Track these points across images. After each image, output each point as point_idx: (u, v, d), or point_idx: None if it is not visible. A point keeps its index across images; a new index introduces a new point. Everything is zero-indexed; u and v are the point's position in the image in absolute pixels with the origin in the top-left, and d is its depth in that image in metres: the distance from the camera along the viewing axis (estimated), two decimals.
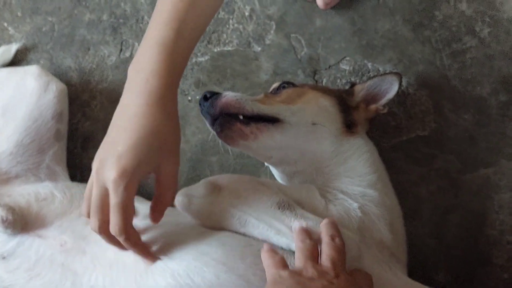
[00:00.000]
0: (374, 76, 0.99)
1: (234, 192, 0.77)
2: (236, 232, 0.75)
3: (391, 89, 0.95)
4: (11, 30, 1.14)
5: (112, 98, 1.10)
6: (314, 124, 0.86)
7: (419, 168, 1.03)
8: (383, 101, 0.95)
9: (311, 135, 0.86)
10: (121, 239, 0.69)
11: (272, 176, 0.99)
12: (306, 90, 0.91)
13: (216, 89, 1.04)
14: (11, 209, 0.82)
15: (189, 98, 1.11)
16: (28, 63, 1.11)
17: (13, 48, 1.10)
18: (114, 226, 0.68)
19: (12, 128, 0.94)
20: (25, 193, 0.88)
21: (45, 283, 0.79)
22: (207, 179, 0.81)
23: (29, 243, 0.82)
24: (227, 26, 1.11)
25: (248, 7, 1.12)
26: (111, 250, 0.77)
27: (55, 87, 0.98)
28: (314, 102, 0.89)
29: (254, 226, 0.73)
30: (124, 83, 1.09)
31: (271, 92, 0.94)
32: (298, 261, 0.66)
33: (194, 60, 1.10)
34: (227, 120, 0.83)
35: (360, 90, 0.96)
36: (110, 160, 0.67)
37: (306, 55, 1.09)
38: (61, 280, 0.78)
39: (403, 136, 1.05)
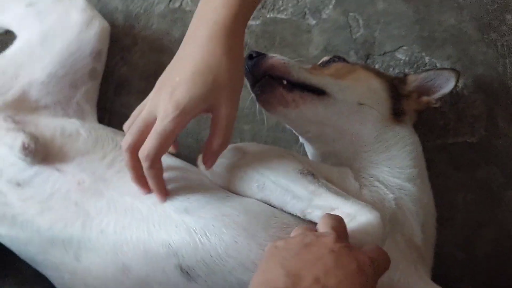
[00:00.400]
0: (430, 69, 0.93)
1: (258, 157, 0.73)
2: (262, 201, 0.71)
3: (447, 85, 0.89)
4: None
5: (154, 46, 1.06)
6: (361, 105, 0.81)
7: (459, 174, 0.97)
8: (437, 95, 0.89)
9: (355, 115, 0.81)
10: (145, 165, 0.67)
11: (305, 155, 0.94)
12: (357, 68, 0.87)
13: None
14: (34, 137, 0.79)
15: None
16: None
17: None
18: (145, 149, 0.66)
19: (48, 58, 0.90)
20: (51, 125, 0.85)
21: (55, 218, 0.76)
22: (234, 144, 0.78)
23: (47, 175, 0.79)
24: None
25: None
26: (129, 196, 0.74)
27: (98, 24, 0.95)
28: (364, 82, 0.83)
29: (272, 190, 0.69)
30: (168, 33, 1.06)
31: (320, 64, 0.89)
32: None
33: None
34: (269, 83, 0.79)
35: (414, 80, 0.90)
36: (165, 89, 0.66)
37: (361, 36, 1.03)
38: (72, 218, 0.75)
39: (449, 138, 0.98)
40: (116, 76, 1.05)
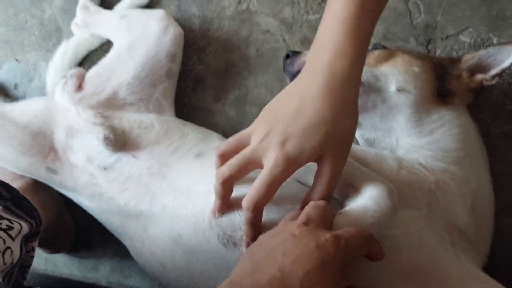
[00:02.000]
0: (489, 46, 0.88)
1: None
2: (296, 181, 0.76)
3: (507, 59, 0.83)
4: None
5: (225, 46, 1.16)
6: (399, 91, 0.81)
7: None
8: (494, 71, 0.84)
9: (393, 102, 0.82)
10: (245, 213, 0.67)
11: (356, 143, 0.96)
12: (395, 53, 0.86)
13: None
14: (113, 129, 0.95)
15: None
16: (160, 6, 1.22)
17: None
18: (249, 198, 0.65)
19: (133, 62, 1.06)
20: (131, 119, 1.00)
21: (130, 197, 0.90)
22: None
23: (125, 161, 0.94)
24: None
25: None
26: (184, 180, 0.86)
27: (173, 31, 1.08)
28: (401, 67, 0.83)
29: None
30: (237, 33, 1.16)
31: None
32: None
33: (305, 17, 1.10)
34: None
35: (470, 58, 0.86)
36: (276, 135, 0.65)
37: (422, 21, 1.01)
38: (142, 197, 0.89)
39: None
40: (194, 74, 1.18)
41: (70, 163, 0.99)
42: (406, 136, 0.82)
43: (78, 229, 1.21)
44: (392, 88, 0.81)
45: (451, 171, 0.79)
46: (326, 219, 0.62)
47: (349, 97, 0.66)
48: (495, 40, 0.96)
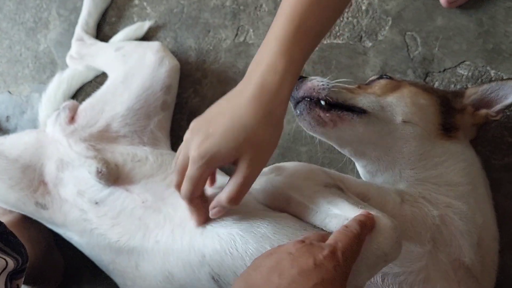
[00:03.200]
0: (493, 81, 0.88)
1: (292, 173, 0.76)
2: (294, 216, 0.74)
3: (511, 95, 0.83)
4: (148, 9, 1.26)
5: (221, 78, 1.15)
6: (405, 122, 0.80)
7: None
8: (498, 107, 0.84)
9: (398, 134, 0.80)
10: (185, 202, 0.75)
11: (359, 176, 0.94)
12: (402, 84, 0.85)
13: None
14: (106, 163, 0.93)
15: None
16: (157, 39, 1.22)
17: (146, 25, 1.22)
18: (182, 189, 0.73)
19: (127, 94, 1.04)
20: (125, 152, 0.98)
21: (122, 232, 0.87)
22: (276, 164, 0.82)
23: (118, 195, 0.91)
24: (341, 19, 1.09)
25: (366, 1, 1.08)
26: (181, 212, 0.82)
27: (168, 63, 1.07)
28: (408, 98, 0.82)
29: (297, 203, 0.72)
30: (233, 66, 1.16)
31: (367, 83, 0.90)
32: None
33: None
34: (307, 105, 0.82)
35: (473, 93, 0.86)
36: (198, 137, 0.70)
37: (419, 54, 1.01)
38: (135, 231, 0.85)
39: None
40: (189, 106, 1.16)
41: (60, 197, 0.96)
42: (410, 168, 0.80)
43: (67, 266, 1.16)
44: (399, 119, 0.80)
45: (455, 206, 0.77)
46: (324, 235, 0.61)
47: (274, 111, 0.69)
48: (492, 73, 0.96)
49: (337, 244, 0.56)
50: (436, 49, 1.00)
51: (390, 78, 0.88)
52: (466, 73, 0.98)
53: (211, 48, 1.18)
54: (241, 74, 1.14)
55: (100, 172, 0.91)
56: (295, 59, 0.70)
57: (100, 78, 1.25)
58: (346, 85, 0.85)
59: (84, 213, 0.92)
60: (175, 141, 1.11)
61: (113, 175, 0.92)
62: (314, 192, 0.71)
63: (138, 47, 1.13)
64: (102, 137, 1.01)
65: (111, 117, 1.03)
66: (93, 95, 1.09)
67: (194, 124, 0.74)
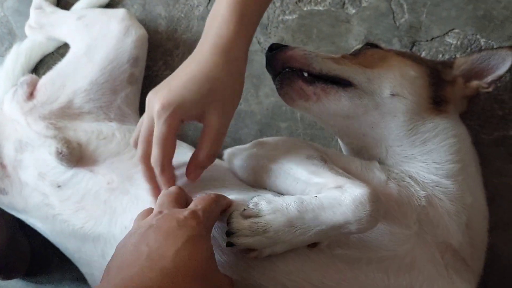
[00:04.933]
0: (483, 50, 0.83)
1: (274, 147, 0.73)
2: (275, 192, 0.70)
3: (502, 65, 0.78)
4: None
5: (194, 48, 1.06)
6: (393, 96, 0.74)
7: None
8: (490, 77, 0.79)
9: (386, 108, 0.74)
10: (156, 171, 0.69)
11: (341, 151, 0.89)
12: (390, 55, 0.79)
13: None
14: (67, 142, 0.84)
15: None
16: (123, 6, 1.12)
17: None
18: (153, 157, 0.69)
19: (90, 67, 0.95)
20: (89, 130, 0.90)
21: (87, 217, 0.80)
22: (258, 139, 0.77)
23: (81, 176, 0.83)
24: None
25: None
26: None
27: (134, 32, 0.98)
28: (397, 70, 0.76)
29: (277, 175, 0.69)
30: None
31: (352, 53, 0.83)
32: None
33: (280, 17, 1.02)
34: (288, 76, 0.76)
35: (463, 63, 0.81)
36: (160, 92, 0.68)
37: (406, 22, 0.95)
38: (100, 216, 0.79)
39: (509, 130, 0.87)
40: (159, 80, 1.06)
41: (20, 180, 0.88)
42: (397, 145, 0.75)
43: (34, 253, 1.09)
44: (386, 92, 0.74)
45: (443, 185, 0.72)
46: (181, 201, 0.63)
47: (234, 59, 0.69)
48: (482, 42, 0.91)
49: (196, 207, 0.59)
50: (424, 16, 0.94)
51: (376, 46, 0.82)
52: (455, 42, 0.92)
53: (182, 15, 1.09)
54: None
55: (61, 153, 0.83)
56: (250, 10, 0.70)
57: (62, 50, 1.15)
58: (330, 55, 0.79)
59: (46, 197, 0.85)
60: None
61: (76, 155, 0.84)
62: (296, 163, 0.67)
63: (101, 15, 1.03)
64: (63, 114, 0.92)
65: (73, 92, 0.95)
66: (54, 68, 1.00)
67: (155, 88, 0.71)
